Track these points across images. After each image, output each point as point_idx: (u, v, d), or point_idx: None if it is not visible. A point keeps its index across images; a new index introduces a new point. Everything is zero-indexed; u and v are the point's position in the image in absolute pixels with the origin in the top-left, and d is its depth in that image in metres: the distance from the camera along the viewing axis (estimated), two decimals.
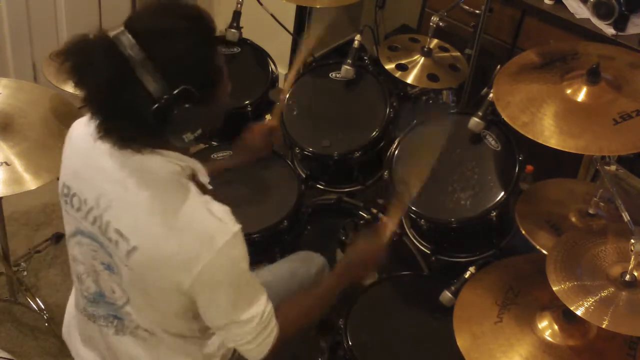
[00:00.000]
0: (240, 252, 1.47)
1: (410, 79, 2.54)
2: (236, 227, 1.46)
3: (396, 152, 2.35)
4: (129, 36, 1.35)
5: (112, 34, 1.36)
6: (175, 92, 1.35)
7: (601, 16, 2.62)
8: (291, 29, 3.22)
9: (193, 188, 1.48)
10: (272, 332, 1.55)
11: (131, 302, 1.55)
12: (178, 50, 1.37)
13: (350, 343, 2.05)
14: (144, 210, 1.44)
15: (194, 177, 1.52)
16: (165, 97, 1.35)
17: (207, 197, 1.48)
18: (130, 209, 1.46)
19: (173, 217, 1.43)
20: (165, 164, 1.46)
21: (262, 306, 1.52)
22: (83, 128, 1.55)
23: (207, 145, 2.54)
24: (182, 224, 1.43)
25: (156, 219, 1.43)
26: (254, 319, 1.51)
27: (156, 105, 1.35)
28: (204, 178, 1.54)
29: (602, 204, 2.06)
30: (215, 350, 1.68)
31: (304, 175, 2.52)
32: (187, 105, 1.37)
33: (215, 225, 1.44)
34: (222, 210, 1.47)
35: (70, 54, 1.37)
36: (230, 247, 1.45)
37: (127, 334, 1.61)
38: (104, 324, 1.62)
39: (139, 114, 1.36)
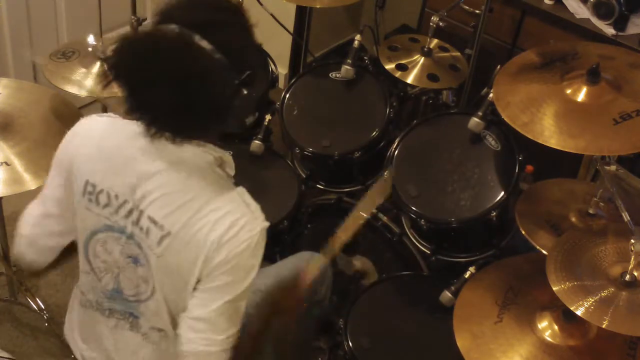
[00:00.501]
0: (260, 251, 1.50)
1: (410, 79, 2.54)
2: (265, 223, 1.50)
3: (396, 152, 2.35)
4: (189, 31, 1.38)
5: (171, 29, 1.39)
6: (243, 77, 1.42)
7: (601, 16, 2.62)
8: (291, 29, 3.23)
9: (228, 178, 1.53)
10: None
11: (154, 296, 1.55)
12: (235, 39, 1.43)
13: (350, 343, 2.05)
14: (181, 197, 1.46)
15: (221, 168, 1.55)
16: (236, 82, 1.42)
17: (242, 188, 1.52)
18: (167, 197, 1.47)
19: (209, 204, 1.46)
20: (202, 154, 1.48)
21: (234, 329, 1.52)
22: (103, 125, 1.56)
23: None
24: (217, 211, 1.46)
25: (193, 205, 1.46)
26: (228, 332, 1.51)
27: (229, 91, 1.41)
28: (231, 170, 1.57)
29: (602, 204, 2.06)
30: None
31: (304, 175, 2.52)
32: (247, 90, 1.44)
33: (248, 217, 1.47)
34: (255, 204, 1.51)
35: (128, 53, 1.40)
36: (257, 241, 1.47)
37: (140, 334, 1.62)
38: (121, 317, 1.62)
39: (207, 104, 1.40)
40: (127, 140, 1.50)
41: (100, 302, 1.64)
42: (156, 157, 1.48)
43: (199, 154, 1.48)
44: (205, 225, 1.45)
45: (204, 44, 1.38)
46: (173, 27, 1.39)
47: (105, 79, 1.45)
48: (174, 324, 1.57)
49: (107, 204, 1.52)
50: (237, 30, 1.45)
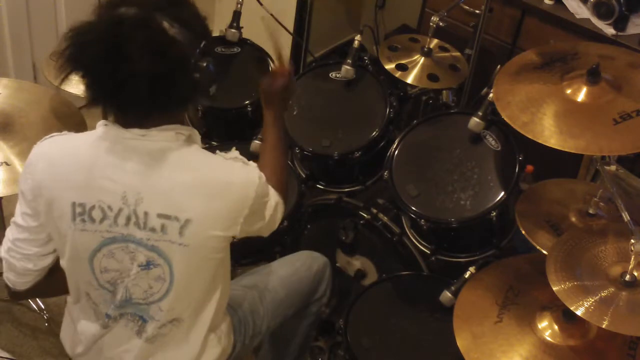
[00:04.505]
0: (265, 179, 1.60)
1: (410, 79, 2.53)
2: (251, 162, 1.60)
3: (396, 152, 2.35)
4: (140, 11, 1.40)
5: (129, 11, 1.40)
6: (202, 45, 1.45)
7: (601, 16, 2.62)
8: (291, 29, 3.23)
9: (204, 150, 1.56)
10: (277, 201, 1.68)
11: (170, 293, 1.56)
12: (186, 12, 1.46)
13: (350, 343, 2.05)
14: (177, 185, 1.48)
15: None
16: (198, 50, 1.44)
17: (217, 151, 1.58)
18: (163, 190, 1.49)
19: (207, 178, 1.50)
20: (173, 136, 1.49)
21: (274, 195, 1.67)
22: (63, 143, 1.55)
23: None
24: (218, 181, 1.51)
25: (195, 187, 1.49)
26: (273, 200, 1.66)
27: (192, 63, 1.44)
28: (199, 146, 1.59)
29: (602, 204, 2.06)
30: (216, 342, 1.71)
31: (304, 175, 2.52)
32: (205, 61, 1.47)
33: (243, 168, 1.56)
34: (237, 154, 1.59)
35: (89, 41, 1.41)
36: (263, 180, 1.58)
37: (143, 339, 1.62)
38: (130, 319, 1.62)
39: (173, 78, 1.42)
40: (93, 150, 1.49)
41: (109, 314, 1.62)
42: (129, 158, 1.48)
43: (171, 137, 1.49)
44: (218, 198, 1.50)
45: (162, 19, 1.40)
46: (129, 8, 1.40)
47: (63, 72, 1.43)
48: (197, 309, 1.61)
49: (104, 218, 1.51)
50: (186, 4, 1.48)
